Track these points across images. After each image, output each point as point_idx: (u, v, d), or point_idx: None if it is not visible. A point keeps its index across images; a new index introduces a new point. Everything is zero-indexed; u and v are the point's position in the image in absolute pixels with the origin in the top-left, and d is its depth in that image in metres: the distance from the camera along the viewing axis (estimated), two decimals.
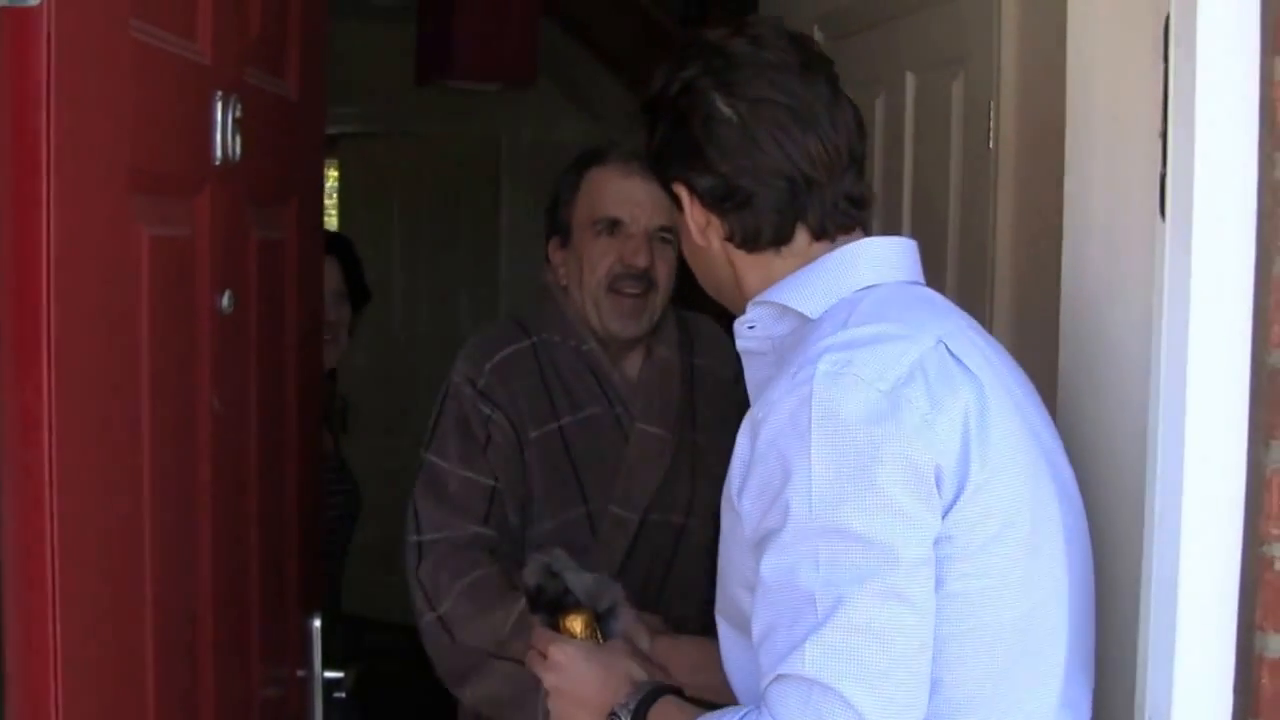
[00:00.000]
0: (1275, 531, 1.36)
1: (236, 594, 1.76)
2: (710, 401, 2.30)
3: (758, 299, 1.50)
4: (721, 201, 1.47)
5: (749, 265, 1.51)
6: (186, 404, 1.55)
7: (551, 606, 1.70)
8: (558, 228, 2.27)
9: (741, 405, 2.27)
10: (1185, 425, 1.35)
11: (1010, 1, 2.48)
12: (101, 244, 1.34)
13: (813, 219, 1.47)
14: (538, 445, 2.17)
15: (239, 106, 1.64)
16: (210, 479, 1.61)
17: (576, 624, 1.64)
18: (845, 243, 1.49)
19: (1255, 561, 1.37)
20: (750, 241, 1.48)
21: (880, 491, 1.27)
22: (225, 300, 1.64)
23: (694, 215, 1.51)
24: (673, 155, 1.50)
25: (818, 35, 3.55)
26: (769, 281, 1.49)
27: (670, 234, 2.20)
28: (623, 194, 2.19)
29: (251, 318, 1.74)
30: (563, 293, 2.26)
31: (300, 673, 2.00)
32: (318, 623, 2.00)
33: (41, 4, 1.22)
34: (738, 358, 2.36)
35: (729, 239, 1.50)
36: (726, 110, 1.45)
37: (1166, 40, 1.40)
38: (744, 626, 1.37)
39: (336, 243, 2.88)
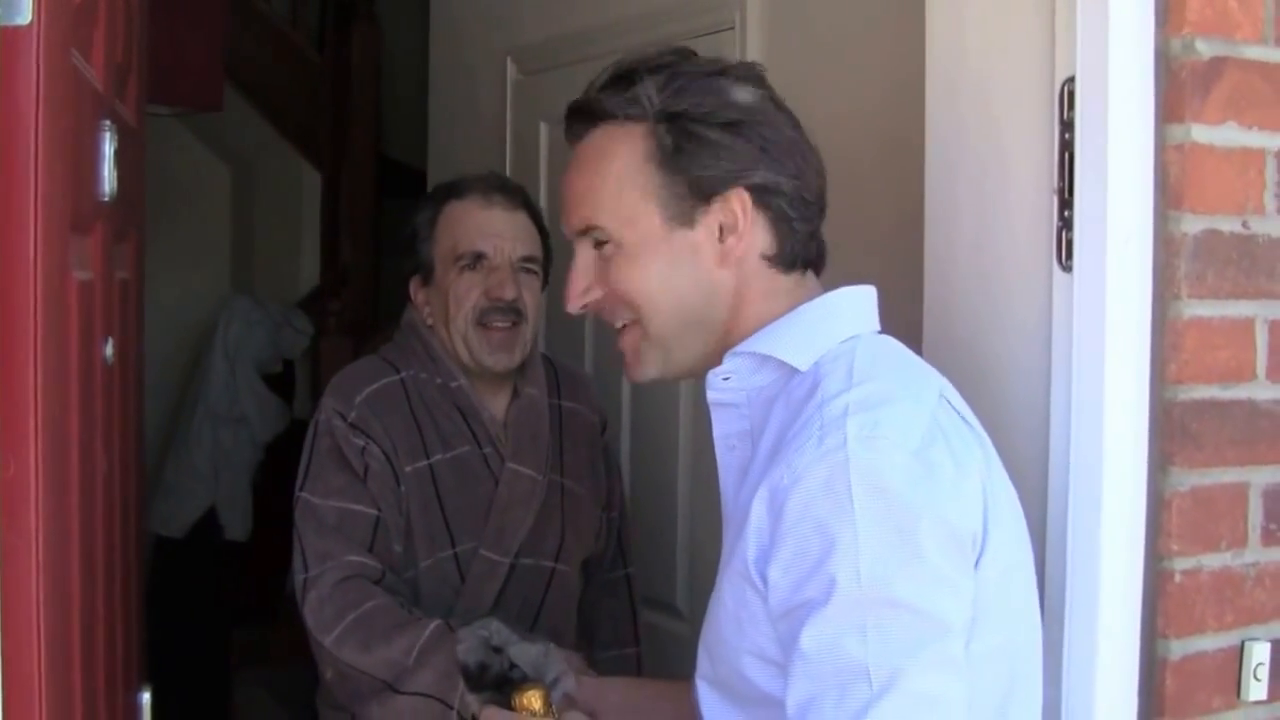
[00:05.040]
0: (1175, 548, 1.53)
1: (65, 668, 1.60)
2: (577, 446, 2.30)
3: (737, 350, 1.43)
4: (796, 212, 1.41)
5: (762, 292, 1.43)
6: (90, 473, 1.40)
7: (498, 683, 1.61)
8: (418, 266, 2.22)
9: (605, 451, 2.33)
10: (1104, 458, 1.50)
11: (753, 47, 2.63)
12: (58, 288, 1.20)
13: (820, 245, 1.47)
14: (410, 481, 2.11)
15: (116, 136, 1.50)
16: (105, 547, 1.46)
17: (535, 700, 1.54)
18: (814, 285, 1.47)
19: (1157, 575, 1.53)
20: (789, 259, 1.43)
21: (927, 560, 1.25)
22: (109, 349, 1.50)
23: (743, 225, 1.40)
24: (749, 157, 1.39)
25: (511, 68, 3.62)
26: (767, 313, 1.42)
27: (534, 264, 2.19)
28: (484, 226, 2.16)
29: (116, 369, 1.59)
30: (429, 330, 2.21)
31: None
32: (147, 697, 1.84)
33: (32, 24, 1.09)
34: (601, 407, 2.39)
35: (772, 255, 1.42)
36: (787, 122, 1.43)
37: (1063, 102, 1.55)
38: (745, 696, 1.35)
39: None
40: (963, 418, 1.38)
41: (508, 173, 3.51)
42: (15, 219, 1.08)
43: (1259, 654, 1.56)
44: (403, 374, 2.18)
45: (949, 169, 1.75)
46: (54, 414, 1.17)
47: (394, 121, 5.29)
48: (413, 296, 2.24)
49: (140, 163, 1.84)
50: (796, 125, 1.43)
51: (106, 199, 1.46)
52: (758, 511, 1.31)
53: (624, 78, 1.42)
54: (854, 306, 1.46)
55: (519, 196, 2.22)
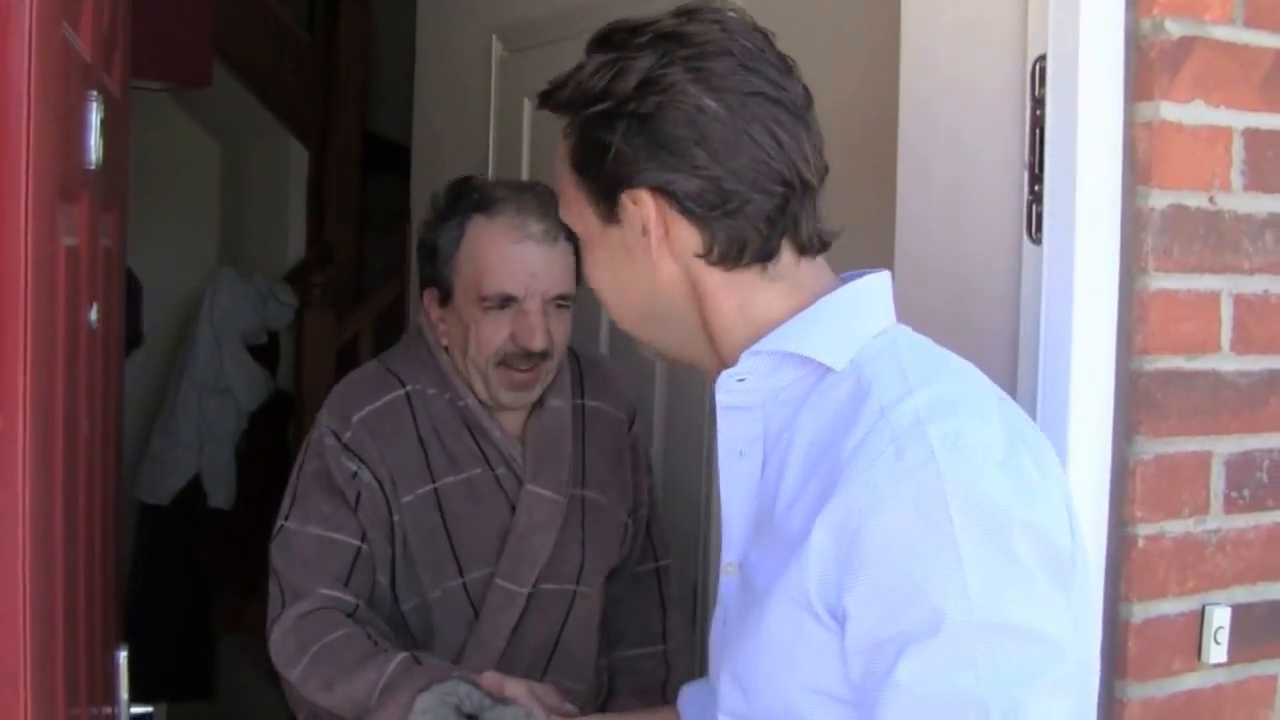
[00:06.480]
0: (1139, 514, 1.57)
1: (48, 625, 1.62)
2: (601, 451, 2.12)
3: (756, 349, 1.28)
4: (711, 209, 1.26)
5: (723, 287, 1.29)
6: (74, 435, 1.43)
7: None
8: (435, 279, 2.00)
9: (633, 448, 2.11)
10: (1070, 426, 1.54)
11: None
12: (47, 253, 1.23)
13: (803, 231, 1.28)
14: (411, 510, 1.96)
15: (102, 106, 1.52)
16: (85, 506, 1.49)
17: None
18: (826, 267, 1.33)
19: (1121, 541, 1.57)
20: (733, 257, 1.27)
21: (1034, 578, 1.15)
22: (94, 314, 1.53)
23: (653, 227, 1.28)
24: (636, 159, 1.26)
25: (497, 47, 3.64)
26: (748, 308, 1.29)
27: (569, 300, 1.98)
28: (515, 265, 1.93)
29: (99, 334, 1.62)
30: (440, 348, 2.03)
31: (107, 709, 1.86)
32: (124, 655, 1.87)
33: None
34: (630, 399, 2.18)
35: (704, 254, 1.28)
36: (713, 104, 1.24)
37: (1035, 80, 1.58)
38: None
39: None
40: (1024, 418, 1.29)
41: (490, 150, 3.53)
42: (7, 186, 1.10)
43: (1219, 618, 1.61)
44: (408, 388, 2.01)
45: (922, 144, 1.78)
46: (41, 374, 1.20)
47: (380, 97, 5.31)
48: (426, 308, 2.04)
49: (125, 134, 1.86)
50: (742, 102, 1.25)
51: (93, 168, 1.48)
52: (820, 536, 1.18)
53: (589, 52, 1.33)
54: (884, 297, 1.34)
55: (558, 220, 1.88)
